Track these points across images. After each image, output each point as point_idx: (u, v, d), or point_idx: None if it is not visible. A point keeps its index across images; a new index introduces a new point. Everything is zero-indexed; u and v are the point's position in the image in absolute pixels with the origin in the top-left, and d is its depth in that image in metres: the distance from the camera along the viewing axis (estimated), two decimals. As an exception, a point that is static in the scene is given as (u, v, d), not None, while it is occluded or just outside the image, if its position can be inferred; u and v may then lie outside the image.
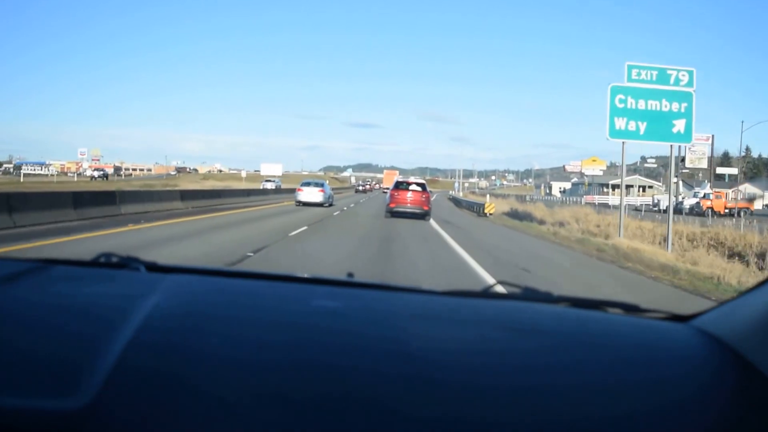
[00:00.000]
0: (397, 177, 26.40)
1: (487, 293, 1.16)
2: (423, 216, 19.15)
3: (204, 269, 1.27)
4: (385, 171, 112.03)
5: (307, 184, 27.25)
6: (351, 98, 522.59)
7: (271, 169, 66.59)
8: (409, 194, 19.65)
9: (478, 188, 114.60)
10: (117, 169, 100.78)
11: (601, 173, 76.66)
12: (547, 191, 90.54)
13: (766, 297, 0.84)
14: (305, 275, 1.24)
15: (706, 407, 0.73)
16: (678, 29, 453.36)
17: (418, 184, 20.41)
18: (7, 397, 0.67)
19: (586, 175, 75.57)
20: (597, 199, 55.58)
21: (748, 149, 75.56)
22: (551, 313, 1.04)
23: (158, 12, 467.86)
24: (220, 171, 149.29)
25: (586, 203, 42.03)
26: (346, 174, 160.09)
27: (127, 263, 1.19)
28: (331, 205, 26.37)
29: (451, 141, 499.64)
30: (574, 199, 56.02)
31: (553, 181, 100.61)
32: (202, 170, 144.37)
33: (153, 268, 1.19)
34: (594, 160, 73.74)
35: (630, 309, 1.08)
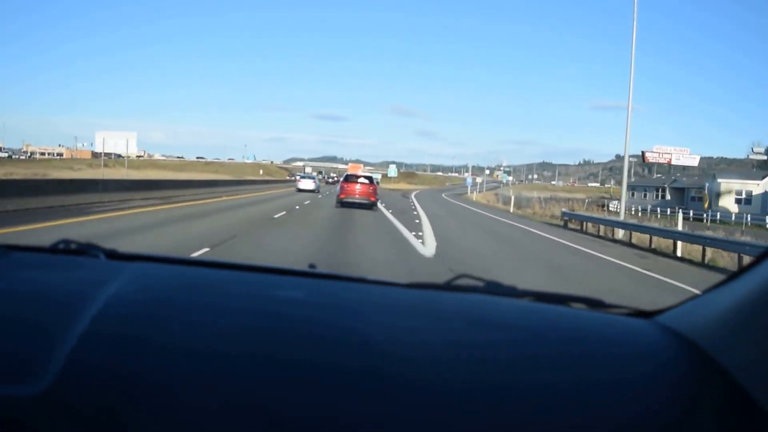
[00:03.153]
0: (362, 170, 34.50)
1: (450, 286, 1.14)
2: (370, 206, 21.90)
3: (165, 258, 1.25)
4: (350, 164, 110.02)
5: (304, 177, 43.70)
6: (318, 91, 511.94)
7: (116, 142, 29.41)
8: (358, 186, 22.16)
9: (497, 183, 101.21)
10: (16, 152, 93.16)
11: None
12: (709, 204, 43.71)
13: (728, 295, 0.86)
14: (268, 265, 1.22)
15: (666, 401, 0.75)
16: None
17: (366, 177, 23.16)
18: None
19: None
20: None
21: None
22: (515, 307, 1.04)
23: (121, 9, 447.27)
24: (142, 156, 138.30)
25: None
26: (298, 164, 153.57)
27: (87, 250, 1.18)
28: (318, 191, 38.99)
29: (417, 135, 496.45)
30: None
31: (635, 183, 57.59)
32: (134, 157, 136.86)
33: (113, 255, 1.18)
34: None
35: (594, 304, 1.09)
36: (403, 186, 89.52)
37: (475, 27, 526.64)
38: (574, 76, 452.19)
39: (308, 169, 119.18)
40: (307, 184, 39.81)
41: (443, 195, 63.90)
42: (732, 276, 0.90)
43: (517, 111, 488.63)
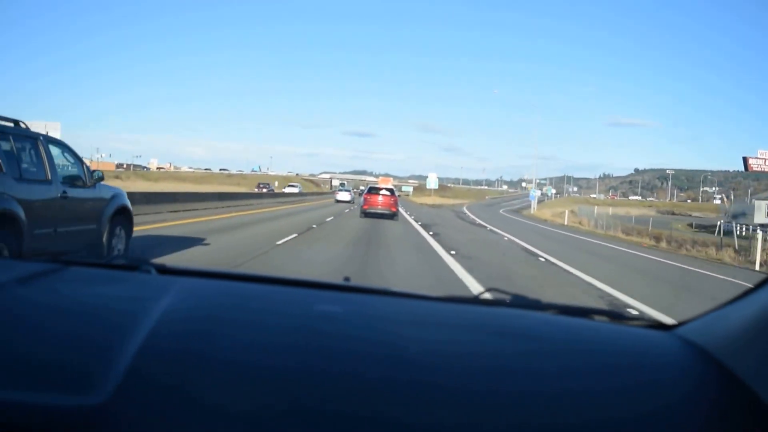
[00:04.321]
0: (391, 183, 31.80)
1: (478, 300, 1.21)
2: (391, 216, 23.07)
3: (212, 272, 1.29)
4: (380, 177, 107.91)
5: (341, 190, 48.75)
6: (349, 109, 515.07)
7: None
8: (380, 198, 23.58)
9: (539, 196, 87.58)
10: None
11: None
12: None
13: (748, 307, 0.86)
14: (307, 279, 1.27)
15: (686, 415, 0.75)
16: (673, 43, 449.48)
17: (387, 190, 24.56)
18: (26, 393, 0.70)
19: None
20: None
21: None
22: (539, 320, 1.07)
23: (160, 24, 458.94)
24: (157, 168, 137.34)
25: None
26: (324, 176, 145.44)
27: (139, 265, 1.22)
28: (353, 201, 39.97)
29: (442, 151, 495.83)
30: None
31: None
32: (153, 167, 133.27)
33: (163, 270, 1.23)
34: None
35: (615, 317, 1.12)
36: (438, 200, 74.79)
37: (496, 48, 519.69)
38: (592, 94, 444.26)
39: (335, 182, 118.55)
40: (344, 196, 44.56)
41: (501, 211, 54.30)
42: (752, 288, 0.90)
43: (537, 127, 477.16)
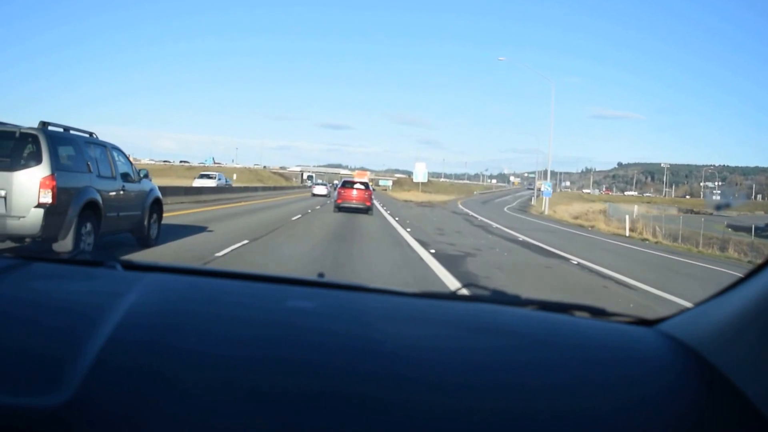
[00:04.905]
0: (368, 177, 34.36)
1: (456, 295, 1.20)
2: (366, 211, 22.72)
3: (180, 268, 1.29)
4: (356, 171, 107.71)
5: (317, 184, 50.61)
6: (323, 100, 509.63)
7: None
8: (354, 192, 23.12)
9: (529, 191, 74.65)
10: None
11: None
12: None
13: (730, 303, 0.87)
14: (281, 275, 1.26)
15: (667, 410, 0.76)
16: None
17: (362, 183, 24.27)
18: None
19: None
20: None
21: None
22: (518, 316, 1.07)
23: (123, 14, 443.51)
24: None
25: None
26: (294, 169, 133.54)
27: (104, 261, 1.21)
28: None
29: (420, 144, 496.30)
30: None
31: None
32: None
33: (129, 266, 1.22)
34: None
35: (596, 313, 1.12)
36: (422, 196, 63.66)
37: (475, 38, 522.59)
38: (574, 86, 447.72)
39: (305, 175, 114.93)
40: (320, 190, 48.39)
41: (506, 209, 48.92)
42: (734, 284, 0.91)
43: (516, 119, 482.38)
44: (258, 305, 1.01)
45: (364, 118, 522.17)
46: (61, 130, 7.47)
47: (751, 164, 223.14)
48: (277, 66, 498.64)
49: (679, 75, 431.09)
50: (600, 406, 0.75)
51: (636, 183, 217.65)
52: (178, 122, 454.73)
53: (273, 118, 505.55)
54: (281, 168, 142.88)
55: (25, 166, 6.63)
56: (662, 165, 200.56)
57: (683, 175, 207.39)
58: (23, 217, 6.49)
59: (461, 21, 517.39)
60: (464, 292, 1.20)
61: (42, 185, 6.55)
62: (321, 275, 1.09)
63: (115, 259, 1.21)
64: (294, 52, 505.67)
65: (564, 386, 0.78)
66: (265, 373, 0.77)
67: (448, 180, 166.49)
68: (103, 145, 8.32)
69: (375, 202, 27.63)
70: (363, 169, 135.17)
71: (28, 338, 0.82)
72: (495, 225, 24.11)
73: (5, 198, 6.50)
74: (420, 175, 60.42)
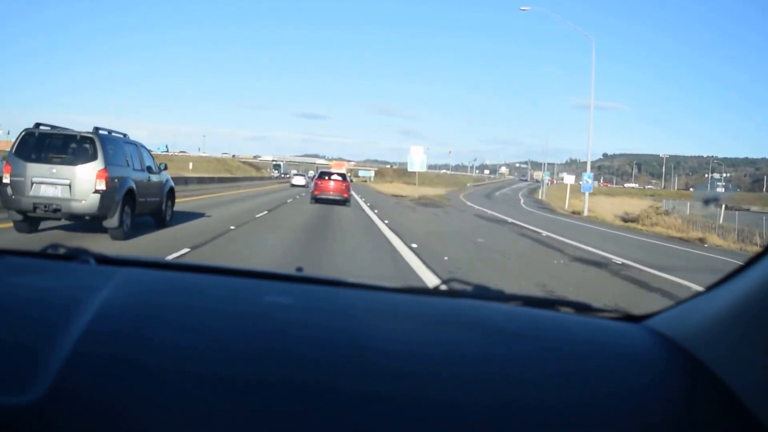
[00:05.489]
0: (345, 168, 32.98)
1: (438, 291, 1.19)
2: (343, 202, 22.38)
3: (155, 262, 1.30)
4: (333, 162, 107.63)
5: (296, 174, 56.54)
6: (300, 89, 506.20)
7: None
8: (332, 183, 22.96)
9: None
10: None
11: None
12: None
13: (717, 299, 0.88)
14: (257, 269, 1.25)
15: (654, 405, 0.76)
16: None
17: (339, 174, 24.06)
18: None
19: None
20: None
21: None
22: (502, 312, 1.06)
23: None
24: None
25: None
26: (267, 158, 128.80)
27: (77, 255, 1.18)
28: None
29: (399, 135, 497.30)
30: None
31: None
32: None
33: (103, 260, 1.20)
34: None
35: (582, 309, 1.11)
36: (408, 189, 53.52)
37: (456, 26, 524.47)
38: (555, 75, 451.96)
39: (280, 163, 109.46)
40: (299, 181, 52.58)
41: (528, 207, 42.77)
42: (721, 280, 0.92)
43: (498, 110, 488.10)
44: (234, 300, 1.01)
45: (342, 107, 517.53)
46: (107, 133, 9.60)
47: (740, 155, 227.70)
48: (251, 54, 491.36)
49: (664, 65, 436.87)
50: (583, 400, 0.76)
51: (622, 174, 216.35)
52: (153, 113, 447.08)
53: (249, 108, 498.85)
54: (255, 157, 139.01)
55: (85, 161, 8.83)
56: (661, 156, 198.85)
57: (671, 167, 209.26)
58: (84, 200, 8.72)
59: (439, 10, 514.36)
60: (447, 287, 1.18)
61: (98, 176, 8.77)
62: (300, 269, 1.33)
63: (88, 252, 1.18)
64: (270, 40, 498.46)
65: (547, 381, 0.79)
66: (241, 363, 0.78)
67: (432, 171, 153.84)
68: (134, 144, 10.57)
69: (359, 199, 27.16)
70: (341, 159, 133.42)
71: (1, 334, 0.81)
72: (577, 244, 14.67)
73: (70, 186, 8.70)
74: (417, 164, 45.01)
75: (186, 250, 8.48)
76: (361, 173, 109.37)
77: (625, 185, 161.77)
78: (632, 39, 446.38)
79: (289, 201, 24.61)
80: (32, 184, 8.58)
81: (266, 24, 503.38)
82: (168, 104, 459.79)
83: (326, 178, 23.80)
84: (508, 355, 0.86)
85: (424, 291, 1.20)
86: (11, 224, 9.08)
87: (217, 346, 0.82)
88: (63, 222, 9.52)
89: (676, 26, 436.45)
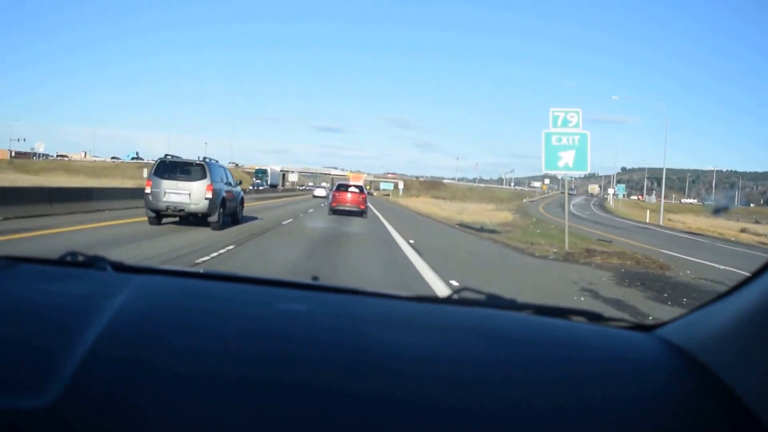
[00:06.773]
0: (362, 180, 30.18)
1: (451, 299, 1.23)
2: (360, 214, 22.96)
3: (171, 270, 1.34)
4: (351, 174, 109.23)
5: (318, 186, 61.51)
6: (318, 103, 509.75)
7: None
8: (349, 195, 23.50)
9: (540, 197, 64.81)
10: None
11: None
12: None
13: (727, 308, 0.90)
14: (272, 278, 1.30)
15: (664, 414, 0.78)
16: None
17: (356, 186, 24.52)
18: None
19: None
20: None
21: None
22: (515, 320, 1.10)
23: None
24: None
25: None
26: (274, 167, 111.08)
27: (94, 262, 1.23)
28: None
29: (415, 147, 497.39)
30: None
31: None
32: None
33: (120, 267, 1.24)
34: None
35: (594, 318, 1.14)
36: (445, 207, 44.58)
37: (471, 42, 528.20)
38: (571, 90, 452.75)
39: (292, 177, 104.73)
40: (320, 192, 58.21)
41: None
42: (732, 289, 0.93)
43: (515, 124, 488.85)
44: (247, 305, 1.03)
45: (359, 121, 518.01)
46: (210, 160, 14.69)
47: (760, 170, 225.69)
48: (272, 69, 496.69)
49: (677, 78, 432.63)
50: (593, 407, 0.77)
51: (641, 189, 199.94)
52: (167, 122, 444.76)
53: (268, 121, 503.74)
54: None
55: (199, 179, 13.91)
56: (688, 171, 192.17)
57: (691, 181, 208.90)
58: (199, 204, 13.76)
59: (458, 30, 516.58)
60: (460, 296, 1.17)
61: (207, 188, 13.87)
62: (315, 278, 1.29)
63: (105, 260, 1.21)
64: (290, 56, 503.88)
65: (558, 388, 0.80)
66: (253, 366, 0.79)
67: (465, 185, 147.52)
68: (223, 167, 15.75)
69: (391, 229, 18.57)
70: (359, 172, 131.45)
71: (10, 342, 0.83)
72: None
73: (189, 194, 13.73)
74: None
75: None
76: (382, 186, 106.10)
77: (682, 201, 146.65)
78: (646, 59, 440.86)
79: (311, 211, 25.95)
80: (165, 193, 13.49)
81: (287, 41, 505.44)
82: (199, 117, 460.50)
83: (344, 190, 24.47)
84: (520, 362, 0.87)
85: (437, 300, 1.22)
86: (146, 219, 13.91)
87: (229, 349, 0.84)
88: (176, 220, 14.50)
89: (692, 37, 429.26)
